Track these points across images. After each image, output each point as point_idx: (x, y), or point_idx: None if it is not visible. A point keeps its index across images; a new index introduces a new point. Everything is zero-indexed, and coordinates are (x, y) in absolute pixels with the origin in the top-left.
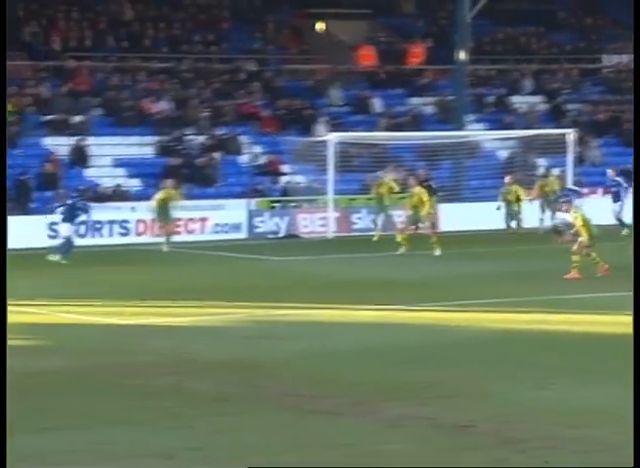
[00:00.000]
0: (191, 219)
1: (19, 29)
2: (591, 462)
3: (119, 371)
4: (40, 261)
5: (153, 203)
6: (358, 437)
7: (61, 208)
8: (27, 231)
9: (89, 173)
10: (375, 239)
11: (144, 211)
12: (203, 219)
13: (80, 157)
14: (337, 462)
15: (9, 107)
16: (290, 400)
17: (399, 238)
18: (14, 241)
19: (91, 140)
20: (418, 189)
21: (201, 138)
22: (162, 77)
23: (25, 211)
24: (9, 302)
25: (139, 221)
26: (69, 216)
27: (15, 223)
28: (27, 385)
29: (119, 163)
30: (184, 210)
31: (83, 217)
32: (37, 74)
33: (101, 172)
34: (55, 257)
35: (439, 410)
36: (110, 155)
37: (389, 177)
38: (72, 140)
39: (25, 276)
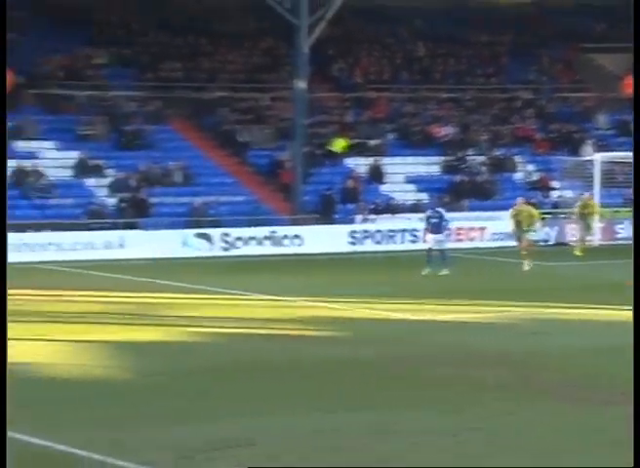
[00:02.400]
0: (472, 228)
1: (328, 66)
2: None
3: (409, 361)
4: (340, 264)
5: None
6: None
7: (426, 221)
8: (330, 238)
9: (384, 188)
10: None
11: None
12: (482, 229)
13: (377, 175)
14: (606, 449)
15: (343, 143)
16: (562, 389)
17: None
18: (318, 246)
19: (386, 160)
20: None
21: (481, 158)
22: (448, 105)
23: (330, 221)
24: (310, 298)
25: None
26: (434, 228)
27: (320, 232)
28: (326, 370)
29: (410, 180)
30: (466, 220)
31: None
32: (342, 104)
33: (395, 187)
34: (444, 272)
35: None
36: (402, 173)
37: None
38: (370, 160)
39: (326, 276)
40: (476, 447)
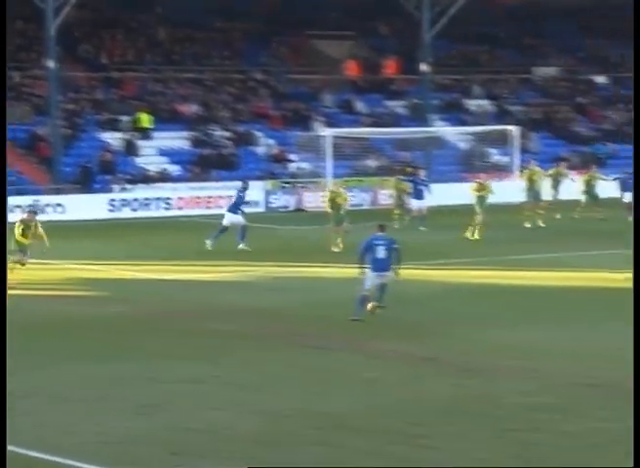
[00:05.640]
0: (220, 197)
1: (75, 47)
2: (523, 387)
3: (162, 316)
4: (100, 230)
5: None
6: (346, 366)
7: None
8: (90, 206)
9: (139, 160)
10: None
11: (184, 190)
12: (230, 197)
13: (131, 148)
14: (327, 385)
15: (147, 121)
16: (295, 338)
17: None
18: (79, 214)
19: (139, 135)
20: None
21: (225, 133)
22: (190, 85)
23: (89, 190)
24: (74, 262)
25: (179, 199)
26: (233, 208)
27: (79, 200)
28: (89, 327)
29: (162, 153)
30: (215, 189)
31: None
32: (91, 82)
33: (148, 160)
34: (243, 246)
35: (411, 346)
36: (155, 146)
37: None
38: (125, 135)
39: (88, 241)
40: (220, 392)
